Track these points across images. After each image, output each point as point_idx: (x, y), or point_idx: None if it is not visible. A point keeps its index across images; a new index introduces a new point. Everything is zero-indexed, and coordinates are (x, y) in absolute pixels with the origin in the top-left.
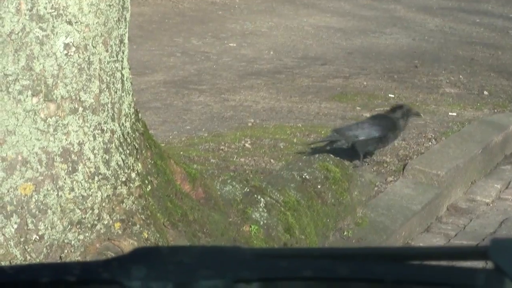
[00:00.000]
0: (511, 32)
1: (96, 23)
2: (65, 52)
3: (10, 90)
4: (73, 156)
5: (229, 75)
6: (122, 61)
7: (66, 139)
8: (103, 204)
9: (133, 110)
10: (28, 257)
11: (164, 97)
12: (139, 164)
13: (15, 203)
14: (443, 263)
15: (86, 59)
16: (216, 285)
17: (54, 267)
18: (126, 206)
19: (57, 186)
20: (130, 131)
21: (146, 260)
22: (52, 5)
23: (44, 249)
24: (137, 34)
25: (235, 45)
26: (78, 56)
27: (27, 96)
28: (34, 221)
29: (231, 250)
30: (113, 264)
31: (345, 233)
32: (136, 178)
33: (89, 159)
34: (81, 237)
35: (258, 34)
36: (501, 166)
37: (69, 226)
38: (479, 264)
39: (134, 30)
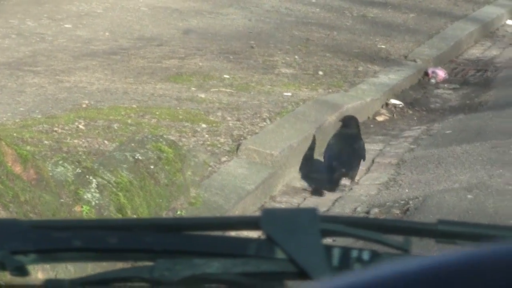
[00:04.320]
0: (347, 13)
1: None
2: None
3: None
4: None
5: (64, 56)
6: None
7: None
8: None
9: None
10: None
11: None
12: None
13: None
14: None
15: None
16: None
17: None
18: None
19: None
20: None
21: None
22: None
23: None
24: None
25: (70, 26)
26: None
27: None
28: None
29: (9, 222)
30: None
31: (178, 212)
32: None
33: None
34: None
35: (94, 15)
36: None
37: None
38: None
39: None
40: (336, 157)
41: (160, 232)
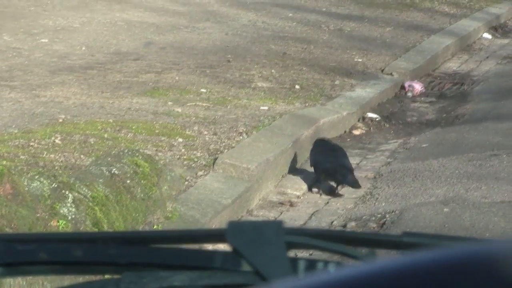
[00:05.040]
0: (323, 27)
1: None
2: None
3: None
4: None
5: (40, 71)
6: None
7: None
8: None
9: None
10: None
11: None
12: None
13: None
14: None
15: None
16: None
17: None
18: None
19: None
20: None
21: None
22: None
23: None
24: None
25: (47, 41)
26: None
27: None
28: None
29: None
30: None
31: (154, 227)
32: None
33: None
34: None
35: (71, 29)
36: None
37: None
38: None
39: None
40: (341, 158)
41: (126, 244)
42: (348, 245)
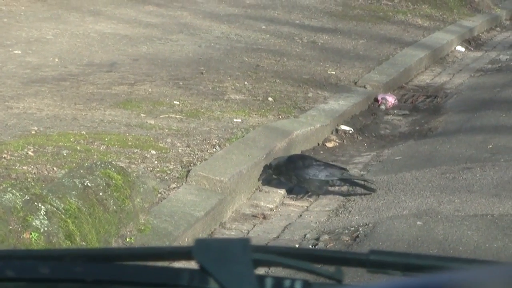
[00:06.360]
0: (297, 39)
1: None
2: None
3: None
4: None
5: (13, 82)
6: None
7: None
8: None
9: None
10: None
11: None
12: None
13: None
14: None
15: None
16: None
17: None
18: None
19: None
20: None
21: None
22: None
23: None
24: None
25: (20, 52)
26: None
27: None
28: None
29: None
30: None
31: (127, 239)
32: None
33: None
34: None
35: (43, 41)
36: None
37: None
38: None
39: None
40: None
41: (93, 262)
42: (315, 263)
